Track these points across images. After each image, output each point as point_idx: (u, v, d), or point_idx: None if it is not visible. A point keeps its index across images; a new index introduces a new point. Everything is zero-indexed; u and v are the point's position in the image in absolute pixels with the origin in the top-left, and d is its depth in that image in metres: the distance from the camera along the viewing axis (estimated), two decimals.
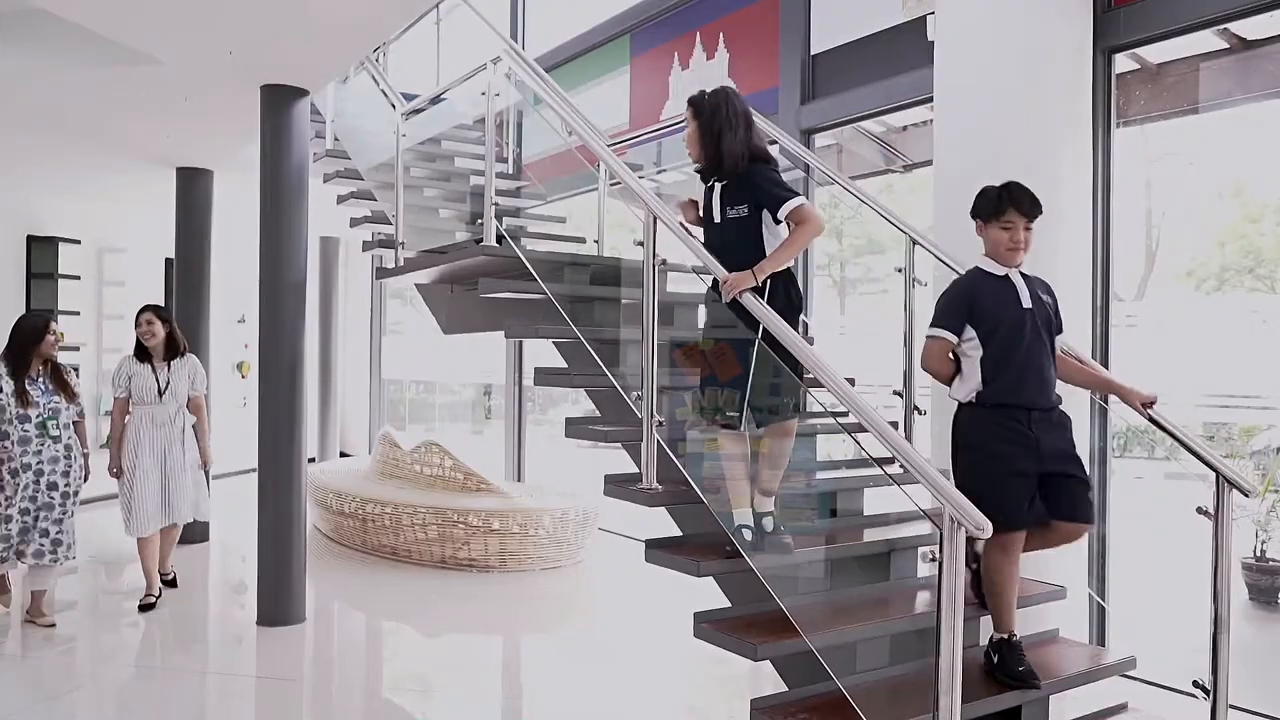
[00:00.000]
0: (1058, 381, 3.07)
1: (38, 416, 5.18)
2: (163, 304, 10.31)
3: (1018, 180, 3.08)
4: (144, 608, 5.69)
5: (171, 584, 6.18)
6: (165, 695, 4.50)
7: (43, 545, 5.19)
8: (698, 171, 3.39)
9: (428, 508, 6.98)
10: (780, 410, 3.28)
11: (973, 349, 3.03)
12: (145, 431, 5.64)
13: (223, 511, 8.36)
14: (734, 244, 3.19)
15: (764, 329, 3.08)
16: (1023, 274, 3.08)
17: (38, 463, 5.19)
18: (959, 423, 3.09)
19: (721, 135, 3.22)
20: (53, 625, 5.32)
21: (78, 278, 9.04)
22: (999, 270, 3.07)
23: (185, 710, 4.33)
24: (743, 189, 3.21)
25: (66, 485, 5.27)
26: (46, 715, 4.17)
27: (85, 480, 5.44)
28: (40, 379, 5.26)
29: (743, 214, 3.19)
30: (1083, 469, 3.04)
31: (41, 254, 8.82)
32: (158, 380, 5.65)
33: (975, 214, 3.13)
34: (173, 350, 5.72)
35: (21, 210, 8.75)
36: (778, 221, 3.17)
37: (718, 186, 3.28)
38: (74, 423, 5.41)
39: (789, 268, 3.21)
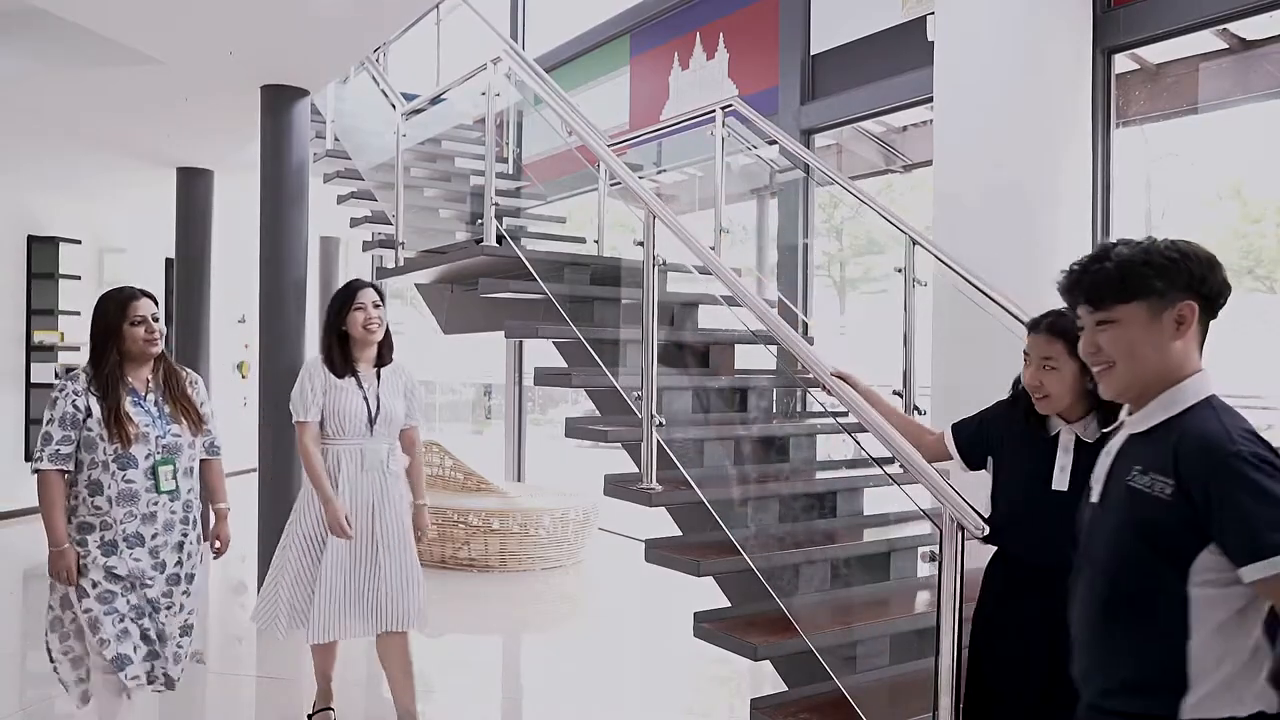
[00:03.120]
0: None
1: (147, 458, 3.02)
2: (164, 306, 10.37)
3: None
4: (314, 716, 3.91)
5: None
6: (165, 695, 4.50)
7: (163, 668, 3.16)
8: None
9: (428, 508, 6.97)
10: None
11: None
12: (349, 480, 3.54)
13: None
14: None
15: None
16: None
17: (152, 536, 3.05)
18: None
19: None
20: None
21: (78, 278, 9.04)
22: None
23: (185, 710, 4.33)
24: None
25: (179, 566, 3.17)
26: (46, 715, 4.17)
27: (215, 555, 3.38)
28: (148, 394, 3.10)
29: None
30: None
31: (42, 254, 8.82)
32: (366, 400, 3.57)
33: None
34: (385, 354, 3.71)
35: (22, 210, 8.75)
36: None
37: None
38: (201, 462, 3.29)
39: None
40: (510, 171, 7.46)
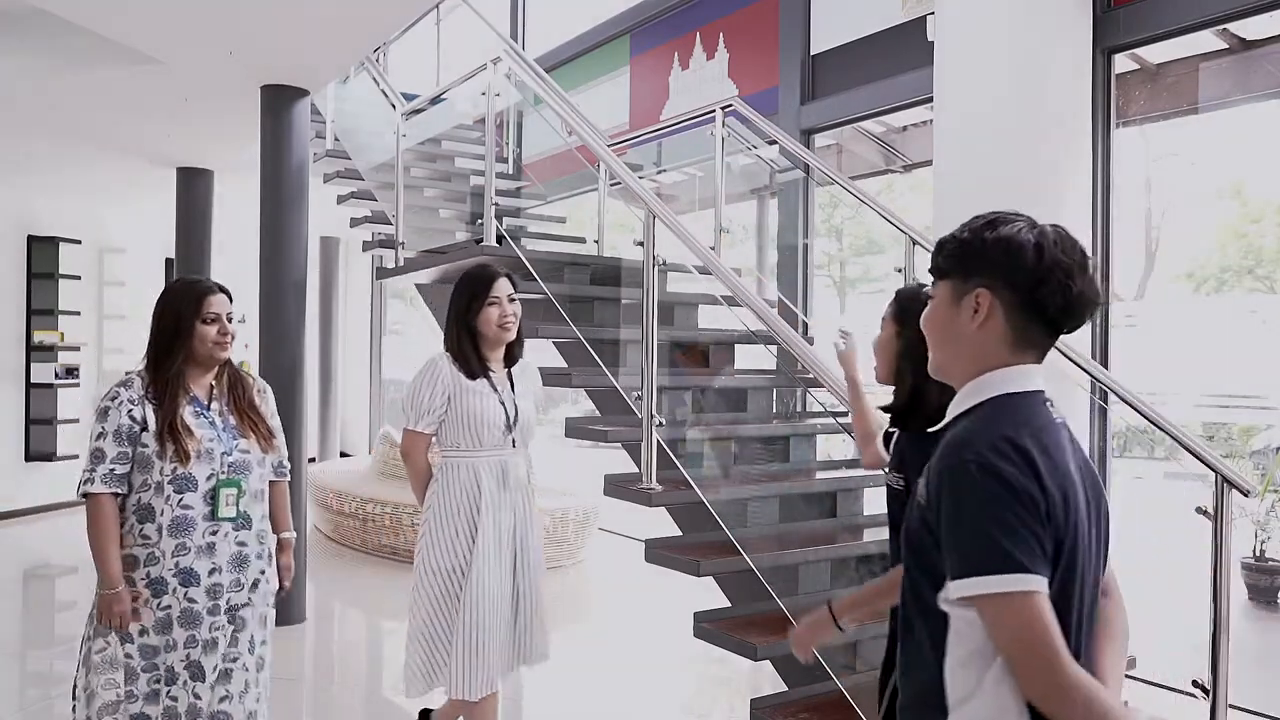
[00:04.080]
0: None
1: (209, 478, 2.54)
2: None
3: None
4: None
5: None
6: None
7: None
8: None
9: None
10: None
11: None
12: (491, 500, 2.99)
13: None
14: None
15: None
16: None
17: (209, 573, 2.53)
18: None
19: None
20: None
21: (78, 278, 9.04)
22: None
23: None
24: None
25: (249, 608, 2.63)
26: (46, 715, 4.17)
27: (278, 590, 2.82)
28: (211, 403, 2.64)
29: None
30: None
31: (42, 254, 8.81)
32: (503, 405, 3.04)
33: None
34: (516, 351, 3.18)
35: (22, 210, 8.75)
36: None
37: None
38: (270, 484, 2.77)
39: None
40: (510, 171, 7.46)
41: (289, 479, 2.89)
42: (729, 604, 3.44)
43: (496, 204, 4.59)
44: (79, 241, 9.10)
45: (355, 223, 6.24)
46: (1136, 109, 4.69)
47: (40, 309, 8.77)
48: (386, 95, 5.95)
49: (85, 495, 2.47)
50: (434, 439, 3.05)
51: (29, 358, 8.72)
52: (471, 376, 3.00)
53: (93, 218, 9.41)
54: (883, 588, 2.00)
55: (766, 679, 4.12)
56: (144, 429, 2.50)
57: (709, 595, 3.52)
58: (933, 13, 4.62)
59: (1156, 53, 4.60)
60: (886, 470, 2.19)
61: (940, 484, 1.27)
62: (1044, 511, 1.22)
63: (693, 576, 3.22)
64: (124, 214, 9.72)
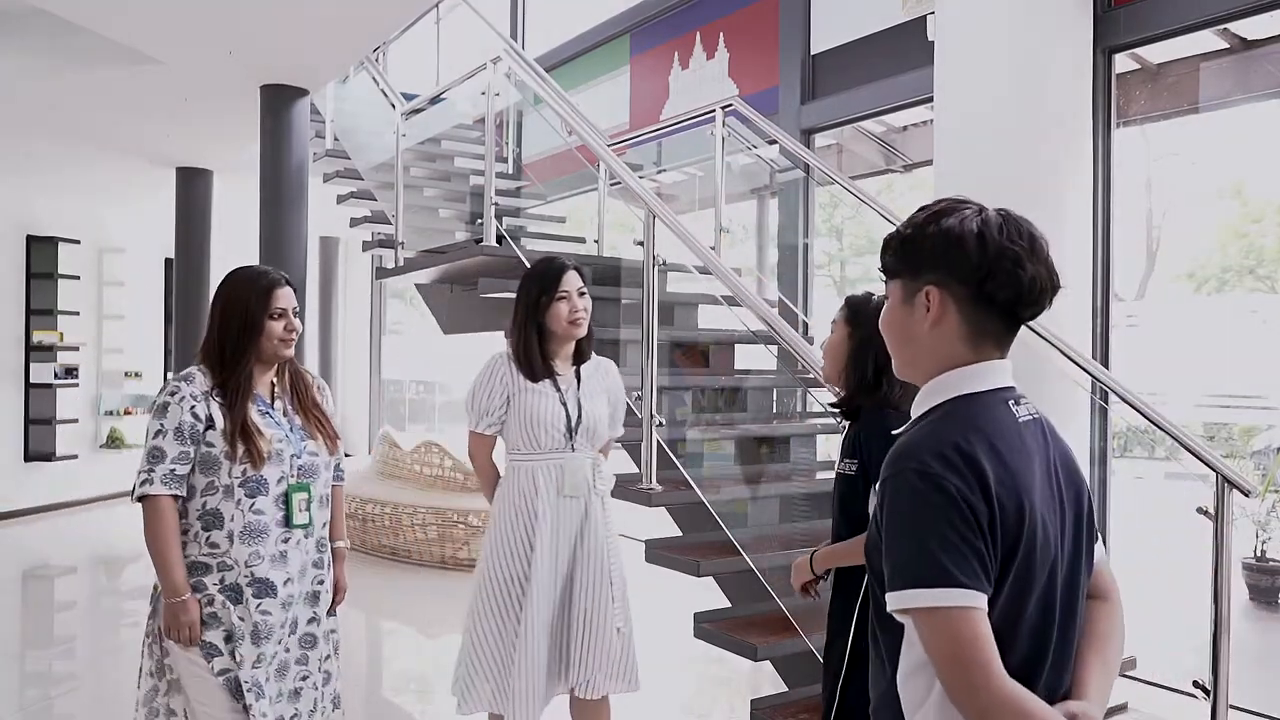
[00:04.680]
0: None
1: (279, 482, 2.38)
2: (164, 306, 10.40)
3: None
4: None
5: None
6: None
7: None
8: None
9: (428, 508, 6.97)
10: None
11: None
12: (549, 506, 2.82)
13: None
14: None
15: None
16: None
17: (284, 583, 2.37)
18: None
19: None
20: None
21: (77, 278, 9.04)
22: None
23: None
24: None
25: (315, 624, 2.50)
26: (46, 715, 4.16)
27: (330, 607, 2.61)
28: (275, 402, 2.47)
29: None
30: None
31: (41, 254, 8.81)
32: (565, 405, 2.86)
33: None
34: (586, 349, 2.97)
35: (21, 210, 8.74)
36: None
37: None
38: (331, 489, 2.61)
39: None
40: (510, 171, 7.46)
41: (344, 483, 2.71)
42: (729, 604, 3.44)
43: (496, 204, 4.59)
44: (78, 241, 9.10)
45: (355, 222, 6.24)
46: (1137, 109, 4.68)
47: (39, 309, 8.77)
48: (386, 95, 5.95)
49: (142, 497, 2.25)
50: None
51: (28, 358, 8.72)
52: (533, 378, 2.82)
53: (92, 218, 9.41)
54: (856, 547, 2.07)
55: (767, 679, 4.11)
56: (208, 427, 2.30)
57: (709, 595, 3.52)
58: (933, 12, 4.62)
59: (1157, 52, 4.59)
60: (839, 460, 2.28)
61: (883, 491, 1.24)
62: (988, 523, 1.18)
63: (693, 576, 3.22)
64: (123, 214, 9.72)
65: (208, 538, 2.30)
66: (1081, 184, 4.30)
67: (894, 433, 1.35)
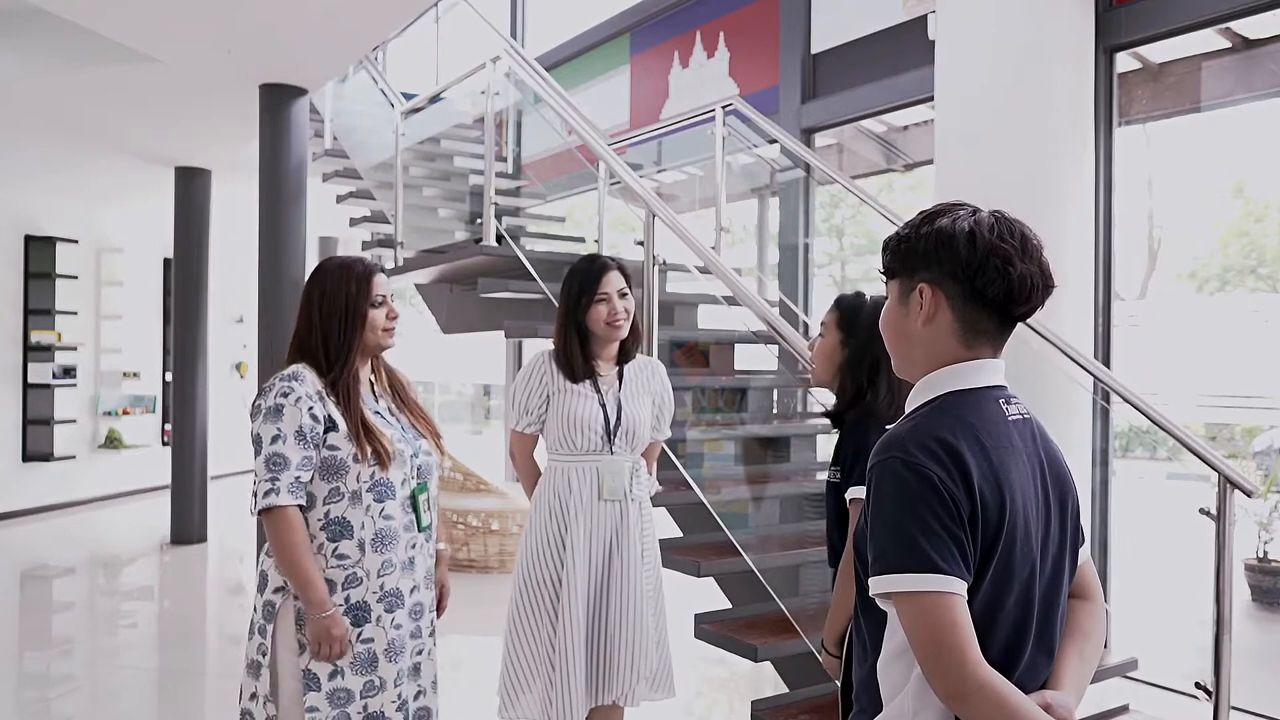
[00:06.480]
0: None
1: (404, 484, 2.23)
2: (162, 306, 10.40)
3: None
4: None
5: None
6: (161, 697, 4.49)
7: None
8: None
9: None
10: None
11: None
12: (584, 509, 2.74)
13: (223, 512, 8.34)
14: None
15: None
16: None
17: (411, 591, 2.25)
18: None
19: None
20: None
21: (75, 278, 9.03)
22: None
23: (185, 710, 4.31)
24: None
25: (429, 637, 2.33)
26: (44, 716, 4.15)
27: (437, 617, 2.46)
28: (379, 400, 2.33)
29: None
30: None
31: (39, 254, 8.80)
32: (604, 406, 2.77)
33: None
34: (630, 348, 2.87)
35: (19, 210, 8.73)
36: None
37: None
38: None
39: None
40: (510, 171, 7.45)
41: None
42: (729, 605, 3.42)
43: (496, 203, 4.58)
44: (76, 241, 9.09)
45: (354, 222, 6.23)
46: (1139, 108, 4.67)
47: (37, 309, 8.76)
48: (385, 94, 5.94)
49: (267, 509, 2.05)
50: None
51: (26, 358, 8.71)
52: (574, 378, 2.75)
53: (90, 217, 9.40)
54: (840, 602, 2.10)
55: (767, 680, 4.10)
56: (329, 429, 2.12)
57: (709, 596, 3.51)
58: (934, 11, 4.61)
59: (1159, 51, 4.58)
60: (829, 467, 2.25)
61: (869, 480, 1.28)
62: (969, 515, 1.21)
63: (693, 577, 3.21)
64: (122, 214, 9.71)
65: (335, 549, 2.12)
66: (1083, 183, 4.29)
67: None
